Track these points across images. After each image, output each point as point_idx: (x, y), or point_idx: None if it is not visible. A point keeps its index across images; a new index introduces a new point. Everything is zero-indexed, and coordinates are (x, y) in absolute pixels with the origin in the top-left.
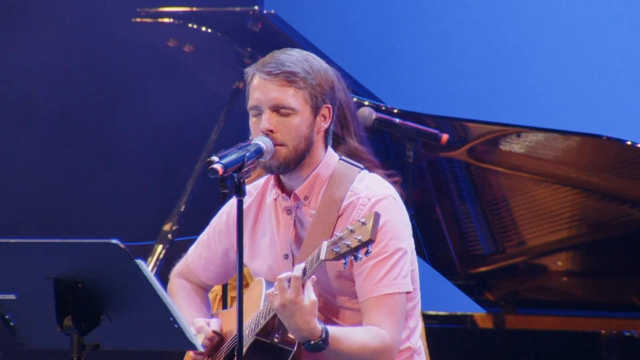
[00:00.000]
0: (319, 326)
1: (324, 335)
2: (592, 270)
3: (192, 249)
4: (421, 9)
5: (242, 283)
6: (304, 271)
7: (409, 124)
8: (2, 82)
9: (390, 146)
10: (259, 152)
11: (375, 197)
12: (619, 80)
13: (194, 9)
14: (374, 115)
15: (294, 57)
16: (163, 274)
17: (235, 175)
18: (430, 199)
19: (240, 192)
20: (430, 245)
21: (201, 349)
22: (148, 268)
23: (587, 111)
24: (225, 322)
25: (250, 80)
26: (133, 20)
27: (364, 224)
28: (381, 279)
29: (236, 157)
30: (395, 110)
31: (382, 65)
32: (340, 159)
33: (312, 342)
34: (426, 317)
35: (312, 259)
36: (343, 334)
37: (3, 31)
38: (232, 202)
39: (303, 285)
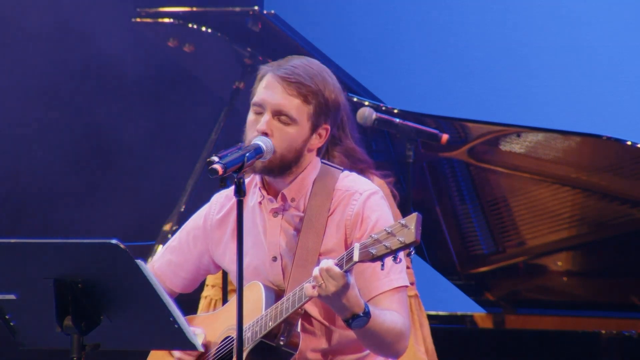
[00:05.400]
0: (361, 300)
1: (367, 309)
2: (592, 270)
3: (158, 256)
4: (421, 9)
5: (242, 284)
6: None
7: (409, 124)
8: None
9: (390, 146)
10: (259, 152)
11: (367, 191)
12: (619, 80)
13: (194, 9)
14: (374, 115)
15: (310, 70)
16: None
17: (235, 175)
18: (430, 199)
19: (240, 192)
20: (430, 245)
21: (201, 349)
22: (148, 268)
23: (587, 111)
24: (207, 329)
25: (261, 77)
26: (133, 20)
27: (404, 226)
28: (388, 273)
29: (236, 157)
30: (395, 110)
31: (382, 65)
32: (322, 162)
33: (361, 313)
34: None
35: (342, 260)
36: (377, 309)
37: None
38: (207, 207)
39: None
